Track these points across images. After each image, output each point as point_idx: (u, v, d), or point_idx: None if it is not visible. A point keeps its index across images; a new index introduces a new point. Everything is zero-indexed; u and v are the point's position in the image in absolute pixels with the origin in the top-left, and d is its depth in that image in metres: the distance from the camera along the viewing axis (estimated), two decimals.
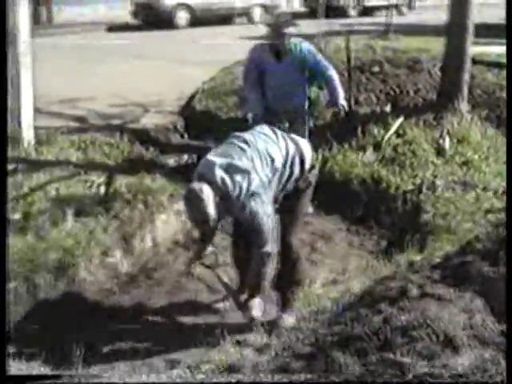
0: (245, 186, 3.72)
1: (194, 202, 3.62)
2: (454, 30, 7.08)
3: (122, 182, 5.57)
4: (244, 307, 4.18)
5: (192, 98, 8.34)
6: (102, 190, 5.28)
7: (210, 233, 4.29)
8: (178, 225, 5.60)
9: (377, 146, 6.70)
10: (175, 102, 8.36)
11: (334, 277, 4.97)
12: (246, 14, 19.43)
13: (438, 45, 11.14)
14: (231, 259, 4.52)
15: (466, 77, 7.18)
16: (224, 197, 3.67)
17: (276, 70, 5.66)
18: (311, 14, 21.36)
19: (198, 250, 4.47)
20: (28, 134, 5.95)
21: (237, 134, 4.07)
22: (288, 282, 4.28)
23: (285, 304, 4.37)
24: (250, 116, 5.57)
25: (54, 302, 4.33)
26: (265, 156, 3.88)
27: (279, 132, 4.16)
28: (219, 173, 3.67)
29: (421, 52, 10.12)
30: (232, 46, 12.84)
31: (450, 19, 7.14)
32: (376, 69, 8.62)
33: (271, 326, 4.10)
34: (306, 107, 5.90)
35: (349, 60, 7.25)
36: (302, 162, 4.06)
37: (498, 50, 11.23)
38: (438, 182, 6.04)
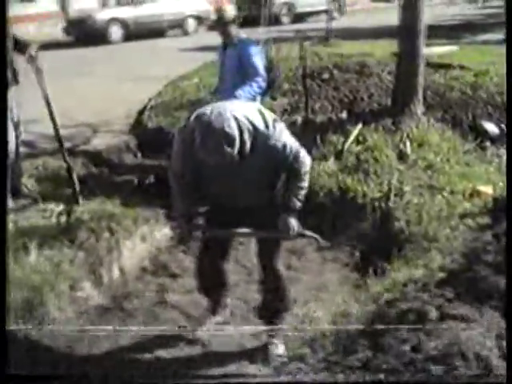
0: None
1: (214, 123, 3.18)
2: (406, 32, 7.01)
3: (82, 208, 5.26)
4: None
5: (141, 115, 8.06)
6: (64, 219, 4.93)
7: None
8: (144, 251, 5.33)
9: (338, 155, 6.57)
10: (124, 120, 8.07)
11: (315, 294, 4.81)
12: (179, 25, 19.17)
13: (379, 48, 11.24)
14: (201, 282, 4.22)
15: (421, 80, 7.13)
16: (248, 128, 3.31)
17: (221, 58, 5.93)
18: (247, 21, 21.33)
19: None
20: None
21: None
22: (276, 309, 4.05)
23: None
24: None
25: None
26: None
27: None
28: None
29: (365, 56, 10.14)
30: (172, 59, 12.65)
31: (401, 21, 7.07)
32: (326, 75, 8.54)
33: (262, 355, 3.92)
34: None
35: (304, 68, 7.09)
36: None
37: (438, 50, 11.37)
38: (405, 188, 5.93)
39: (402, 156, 6.55)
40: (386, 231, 5.49)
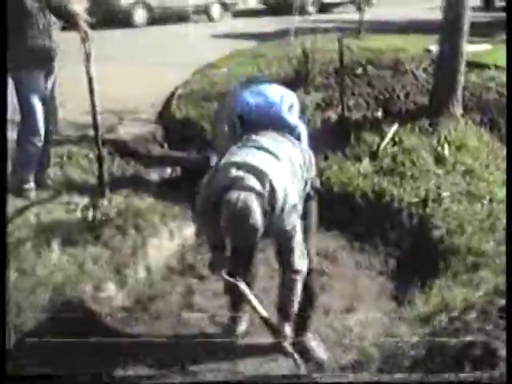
0: (288, 194, 3.20)
1: (240, 216, 2.97)
2: (449, 29, 6.66)
3: (107, 203, 4.98)
4: (279, 334, 3.54)
5: (168, 104, 7.74)
6: (89, 214, 4.64)
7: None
8: (170, 249, 5.04)
9: (373, 156, 6.24)
10: (150, 108, 7.75)
11: (350, 304, 4.51)
12: (204, 11, 18.82)
13: (412, 43, 10.86)
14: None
15: (461, 79, 6.79)
16: (266, 209, 3.08)
17: None
18: (268, 11, 20.96)
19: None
20: None
21: (251, 137, 3.56)
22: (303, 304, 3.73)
23: (302, 329, 3.91)
24: None
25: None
26: (292, 161, 3.42)
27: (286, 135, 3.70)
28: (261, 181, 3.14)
29: (398, 51, 9.77)
30: (198, 46, 12.31)
31: (444, 17, 6.72)
32: (359, 71, 8.19)
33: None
34: None
35: (341, 63, 6.74)
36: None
37: (471, 49, 10.96)
38: (443, 194, 5.61)
39: (439, 159, 6.22)
40: (424, 239, 5.17)
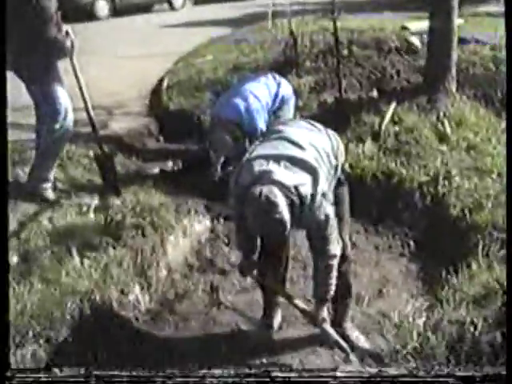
0: (317, 184, 3.11)
1: (264, 210, 2.90)
2: (439, 6, 6.52)
3: (118, 202, 4.74)
4: (318, 321, 3.44)
5: (156, 95, 7.48)
6: (102, 214, 4.40)
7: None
8: (187, 246, 4.83)
9: (375, 136, 6.10)
10: (138, 101, 7.49)
11: (380, 289, 4.37)
12: (166, 0, 18.43)
13: (388, 22, 10.72)
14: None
15: (454, 56, 6.67)
16: (294, 201, 2.99)
17: None
18: None
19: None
20: None
21: (276, 128, 3.55)
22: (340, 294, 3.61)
23: (341, 320, 3.78)
24: None
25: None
26: (317, 148, 3.31)
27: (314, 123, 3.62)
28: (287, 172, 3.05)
29: (376, 31, 9.63)
30: (170, 35, 12.00)
31: None
32: (345, 52, 8.02)
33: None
34: None
35: (337, 43, 6.56)
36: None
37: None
38: (453, 171, 5.50)
39: (441, 136, 6.10)
40: (441, 218, 5.05)
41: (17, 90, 5.95)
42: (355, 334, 3.79)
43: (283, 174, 3.04)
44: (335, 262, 3.34)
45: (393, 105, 6.42)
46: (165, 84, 7.66)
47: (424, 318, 3.59)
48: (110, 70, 9.00)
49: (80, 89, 4.92)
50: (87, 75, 8.46)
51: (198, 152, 6.11)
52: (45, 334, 3.37)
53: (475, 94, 7.00)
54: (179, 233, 4.75)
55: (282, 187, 2.96)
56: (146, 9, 17.71)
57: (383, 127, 6.12)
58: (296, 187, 3.01)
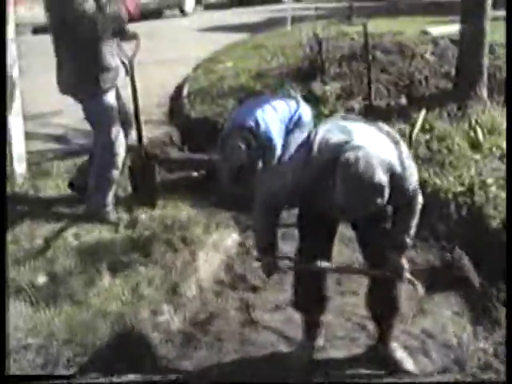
0: (401, 153, 2.94)
1: (363, 175, 2.65)
2: (472, 9, 6.28)
3: (146, 216, 4.53)
4: (403, 271, 3.22)
5: (176, 103, 7.26)
6: (133, 230, 4.18)
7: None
8: (217, 261, 4.59)
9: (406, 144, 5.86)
10: (156, 109, 7.26)
11: (418, 305, 4.13)
12: (177, 5, 18.20)
13: (407, 26, 10.50)
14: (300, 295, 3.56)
15: (486, 61, 6.44)
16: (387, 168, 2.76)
17: None
18: (234, 2, 20.31)
19: None
20: (20, 167, 4.78)
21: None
22: (385, 307, 3.43)
23: (384, 338, 3.56)
24: None
25: None
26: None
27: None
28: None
29: (396, 35, 9.42)
30: (184, 41, 11.79)
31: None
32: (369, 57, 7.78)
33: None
34: None
35: (366, 49, 6.33)
36: None
37: (448, 29, 10.66)
38: (488, 181, 5.26)
39: (474, 145, 5.86)
40: (480, 231, 4.82)
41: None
42: (400, 355, 3.57)
43: (379, 146, 2.84)
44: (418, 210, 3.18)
45: (423, 112, 6.19)
46: (185, 91, 7.44)
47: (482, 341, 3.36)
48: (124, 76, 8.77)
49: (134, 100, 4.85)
50: None
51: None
52: (76, 360, 3.16)
53: (504, 99, 6.75)
54: (209, 248, 4.53)
55: (380, 158, 2.74)
56: (157, 15, 17.48)
57: (414, 135, 5.90)
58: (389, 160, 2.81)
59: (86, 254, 3.91)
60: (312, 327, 3.67)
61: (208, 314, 4.06)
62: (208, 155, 6.06)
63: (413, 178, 3.00)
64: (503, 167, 5.51)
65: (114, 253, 3.98)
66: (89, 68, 4.33)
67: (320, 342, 3.71)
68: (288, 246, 4.30)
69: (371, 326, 3.86)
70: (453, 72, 7.13)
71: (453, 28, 10.38)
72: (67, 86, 4.38)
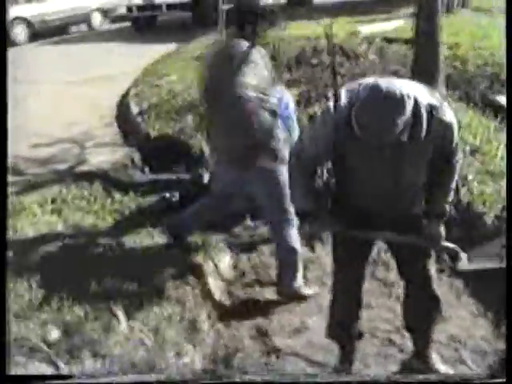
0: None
1: (382, 89, 2.54)
2: (427, 9, 6.26)
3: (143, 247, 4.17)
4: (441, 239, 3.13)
5: (127, 122, 6.86)
6: (138, 264, 3.83)
7: None
8: (218, 287, 4.30)
9: None
10: (106, 129, 6.84)
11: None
12: (84, 21, 17.55)
13: (337, 28, 10.42)
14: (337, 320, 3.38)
15: (442, 58, 6.44)
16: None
17: None
18: None
19: None
20: None
21: None
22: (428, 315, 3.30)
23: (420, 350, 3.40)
24: None
25: None
26: None
27: None
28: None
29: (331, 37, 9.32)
30: (106, 56, 11.31)
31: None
32: (314, 60, 7.68)
33: None
34: None
35: (333, 52, 6.14)
36: None
37: (387, 26, 10.79)
38: (469, 177, 5.23)
39: None
40: (473, 228, 4.76)
41: None
42: (442, 367, 3.43)
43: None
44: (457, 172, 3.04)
45: None
46: (134, 109, 7.03)
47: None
48: (60, 97, 8.29)
49: None
50: (35, 105, 7.78)
51: (191, 180, 5.59)
52: None
53: (460, 95, 6.80)
54: (211, 275, 4.23)
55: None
56: (63, 30, 16.80)
57: None
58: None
59: (94, 298, 3.52)
60: (348, 353, 3.47)
61: (225, 348, 3.78)
62: (174, 175, 5.75)
63: (452, 131, 2.82)
64: (476, 163, 5.50)
65: (123, 292, 3.61)
66: None
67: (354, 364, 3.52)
68: None
69: (399, 339, 3.74)
70: (401, 70, 7.13)
71: (383, 26, 10.54)
72: None
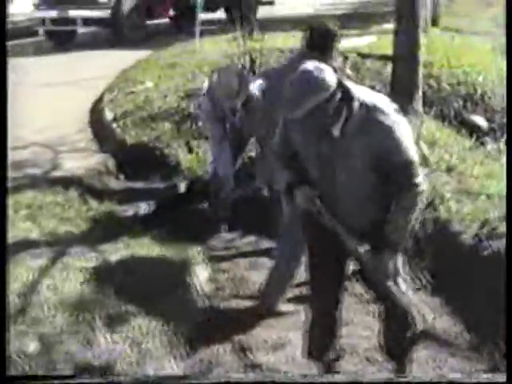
0: None
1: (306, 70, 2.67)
2: (404, 25, 6.29)
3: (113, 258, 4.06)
4: None
5: (101, 128, 6.74)
6: (118, 277, 3.73)
7: None
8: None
9: None
10: (79, 135, 6.71)
11: None
12: None
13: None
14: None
15: (420, 75, 6.48)
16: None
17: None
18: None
19: None
20: None
21: None
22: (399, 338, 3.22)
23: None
24: None
25: None
26: None
27: None
28: None
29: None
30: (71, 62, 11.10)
31: (398, 14, 6.35)
32: None
33: None
34: None
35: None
36: None
37: (359, 42, 10.82)
38: (446, 196, 5.24)
39: (421, 160, 5.84)
40: (451, 247, 4.76)
41: None
42: None
43: None
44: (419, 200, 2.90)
45: None
46: (108, 115, 6.91)
47: None
48: (31, 100, 8.06)
49: None
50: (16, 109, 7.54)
51: (166, 189, 5.52)
52: None
53: (435, 112, 6.86)
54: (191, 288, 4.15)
55: None
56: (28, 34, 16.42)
57: None
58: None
59: (72, 310, 3.41)
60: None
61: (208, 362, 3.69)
62: (149, 183, 5.66)
63: (394, 140, 2.73)
64: (452, 181, 5.53)
65: (103, 304, 3.51)
66: None
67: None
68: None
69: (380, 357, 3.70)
70: (377, 86, 7.16)
71: (356, 41, 10.57)
72: None
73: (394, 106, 2.85)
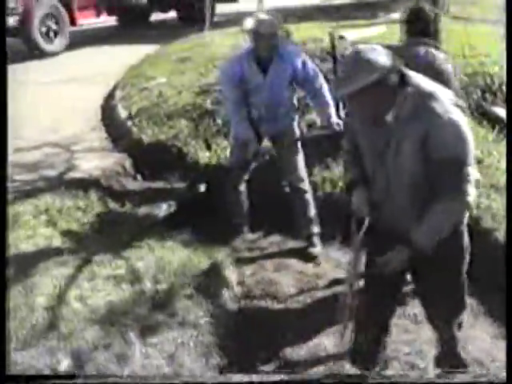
0: None
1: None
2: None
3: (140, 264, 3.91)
4: None
5: (116, 127, 6.56)
6: (147, 285, 3.57)
7: None
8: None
9: None
10: (93, 134, 6.52)
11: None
12: None
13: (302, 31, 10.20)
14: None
15: None
16: None
17: (256, 81, 4.39)
18: None
19: None
20: None
21: None
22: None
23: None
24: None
25: None
26: None
27: None
28: None
29: (317, 42, 9.17)
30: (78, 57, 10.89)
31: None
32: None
33: None
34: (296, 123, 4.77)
35: (334, 56, 5.95)
36: None
37: (377, 31, 10.63)
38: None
39: None
40: (482, 246, 4.59)
41: None
42: None
43: None
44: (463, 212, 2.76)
45: None
46: (122, 112, 6.73)
47: None
48: (40, 98, 7.88)
49: None
50: (13, 106, 7.35)
51: (187, 189, 5.36)
52: None
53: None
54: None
55: None
56: None
57: None
58: None
59: (103, 322, 3.26)
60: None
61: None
62: (167, 183, 5.50)
63: (446, 132, 2.53)
64: (478, 175, 5.36)
65: (134, 315, 3.35)
66: None
67: None
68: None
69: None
70: None
71: (366, 32, 10.37)
72: None
73: (460, 102, 2.68)
